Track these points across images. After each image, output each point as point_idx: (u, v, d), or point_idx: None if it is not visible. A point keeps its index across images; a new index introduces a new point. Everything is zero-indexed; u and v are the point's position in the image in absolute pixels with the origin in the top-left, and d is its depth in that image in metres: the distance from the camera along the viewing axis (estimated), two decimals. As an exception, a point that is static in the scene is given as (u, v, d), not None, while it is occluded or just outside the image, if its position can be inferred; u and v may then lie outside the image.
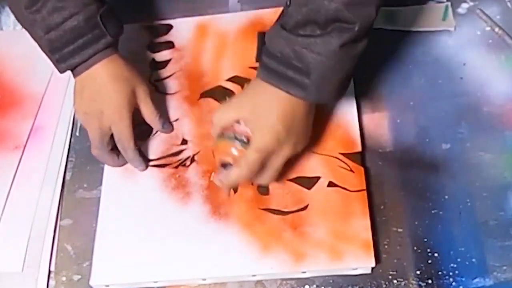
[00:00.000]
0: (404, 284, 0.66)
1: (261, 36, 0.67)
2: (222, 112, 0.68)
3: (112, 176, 0.75)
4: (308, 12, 0.61)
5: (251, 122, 0.65)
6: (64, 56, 0.69)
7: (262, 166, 0.66)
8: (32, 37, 0.71)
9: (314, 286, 0.67)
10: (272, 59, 0.64)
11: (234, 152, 0.66)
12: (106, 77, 0.70)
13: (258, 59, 0.67)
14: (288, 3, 0.63)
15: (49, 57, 0.71)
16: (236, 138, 0.66)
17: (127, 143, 0.72)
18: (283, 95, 0.64)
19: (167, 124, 0.76)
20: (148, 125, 0.76)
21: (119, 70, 0.71)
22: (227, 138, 0.67)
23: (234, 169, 0.66)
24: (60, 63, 0.70)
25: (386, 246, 0.68)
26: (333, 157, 0.72)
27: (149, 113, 0.74)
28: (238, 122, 0.66)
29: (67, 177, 0.77)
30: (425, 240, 0.68)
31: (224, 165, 0.67)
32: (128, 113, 0.71)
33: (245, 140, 0.66)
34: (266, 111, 0.65)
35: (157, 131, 0.77)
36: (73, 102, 0.73)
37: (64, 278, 0.71)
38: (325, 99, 0.66)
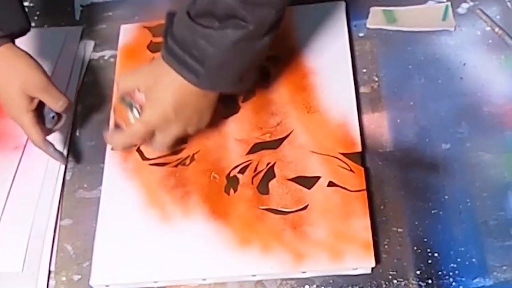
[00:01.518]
0: (404, 284, 0.66)
1: (170, 15, 0.68)
2: (125, 78, 0.72)
3: (112, 176, 0.75)
4: (208, 4, 0.63)
5: (146, 94, 0.69)
6: None
7: (149, 137, 0.70)
8: None
9: (314, 286, 0.67)
10: (175, 42, 0.66)
11: (131, 118, 0.70)
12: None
13: (164, 35, 0.68)
14: None
15: None
16: (132, 105, 0.70)
17: (36, 137, 0.72)
18: (179, 78, 0.66)
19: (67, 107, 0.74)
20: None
21: (9, 68, 0.70)
22: (125, 103, 0.71)
23: (119, 134, 0.71)
24: None
25: (386, 246, 0.68)
26: (333, 157, 0.72)
27: (51, 104, 0.73)
28: (139, 90, 0.70)
29: (67, 177, 0.77)
30: (425, 240, 0.68)
31: (117, 126, 0.72)
32: (23, 101, 0.70)
33: (139, 110, 0.70)
34: (161, 88, 0.67)
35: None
36: None
37: (64, 278, 0.71)
38: (218, 88, 0.68)
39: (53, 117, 0.74)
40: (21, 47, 0.87)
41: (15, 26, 0.72)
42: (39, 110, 0.73)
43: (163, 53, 0.67)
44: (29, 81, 0.71)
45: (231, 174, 0.73)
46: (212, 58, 0.64)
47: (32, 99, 0.71)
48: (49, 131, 0.74)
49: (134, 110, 0.70)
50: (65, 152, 0.79)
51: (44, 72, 0.72)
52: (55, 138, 0.79)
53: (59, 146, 0.79)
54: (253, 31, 0.62)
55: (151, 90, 0.68)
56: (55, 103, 0.72)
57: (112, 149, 0.76)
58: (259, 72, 0.75)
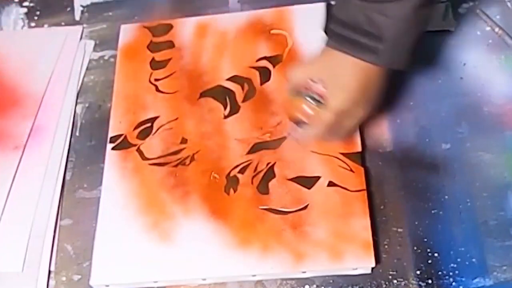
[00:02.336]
0: (404, 284, 0.66)
1: (329, 5, 0.68)
2: (298, 70, 0.69)
3: (112, 176, 0.75)
4: None
5: (327, 82, 0.66)
6: None
7: (336, 125, 0.68)
8: None
9: (314, 286, 0.67)
10: (344, 27, 0.64)
11: (308, 110, 0.68)
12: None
13: (326, 24, 0.67)
14: None
15: None
16: (310, 97, 0.67)
17: None
18: (357, 60, 0.65)
19: None
20: (150, 124, 0.76)
21: None
22: (301, 96, 0.68)
23: (311, 128, 0.69)
24: None
25: (386, 246, 0.68)
26: (333, 157, 0.72)
27: None
28: (313, 81, 0.67)
29: (67, 177, 0.77)
30: (425, 240, 0.68)
31: (297, 123, 0.70)
32: None
33: (319, 99, 0.67)
34: (341, 73, 0.66)
35: (157, 130, 0.77)
36: None
37: (64, 278, 0.71)
38: (398, 64, 0.66)
39: None
40: (22, 46, 0.88)
41: None
42: None
43: (332, 43, 0.66)
44: None
45: (231, 174, 0.73)
46: (391, 31, 0.62)
47: None
48: None
49: (310, 100, 0.68)
50: (65, 152, 0.79)
51: None
52: (55, 138, 0.79)
53: (59, 146, 0.79)
54: None
55: (331, 77, 0.66)
56: None
57: (298, 142, 0.73)
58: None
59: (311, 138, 0.70)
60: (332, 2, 0.67)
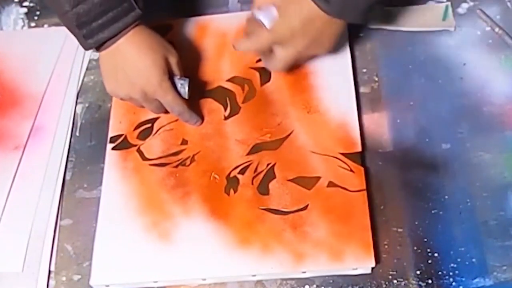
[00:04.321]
0: (404, 284, 0.66)
1: None
2: None
3: (112, 176, 0.75)
4: None
5: (279, 10, 0.70)
6: (93, 31, 0.68)
7: (270, 50, 0.73)
8: (57, 11, 0.69)
9: (314, 286, 0.67)
10: None
11: (252, 26, 0.73)
12: (136, 50, 0.70)
13: None
14: None
15: (74, 33, 0.69)
16: (261, 20, 0.71)
17: (181, 108, 0.74)
18: (310, 3, 0.67)
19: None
20: (150, 125, 0.76)
21: (147, 42, 0.71)
22: (255, 16, 0.72)
23: (245, 40, 0.73)
24: (87, 39, 0.68)
25: (386, 246, 0.68)
26: (333, 157, 0.72)
27: (178, 66, 0.74)
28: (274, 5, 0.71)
29: (67, 177, 0.77)
30: (425, 240, 0.68)
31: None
32: (167, 82, 0.72)
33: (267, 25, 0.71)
34: (293, 6, 0.69)
35: (157, 131, 0.77)
36: (105, 84, 0.73)
37: (64, 278, 0.71)
38: (347, 17, 0.69)
39: (188, 89, 0.75)
40: (22, 46, 0.88)
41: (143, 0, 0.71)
42: None
43: None
44: (167, 46, 0.73)
45: (231, 175, 0.73)
46: None
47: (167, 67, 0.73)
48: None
49: (263, 23, 0.71)
50: (65, 152, 0.79)
51: None
52: (55, 138, 0.79)
53: (59, 146, 0.79)
54: None
55: (284, 6, 0.70)
56: (179, 63, 0.74)
57: (235, 48, 0.76)
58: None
59: (243, 48, 0.74)
60: None
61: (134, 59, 0.70)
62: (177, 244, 0.69)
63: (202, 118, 0.77)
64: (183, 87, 0.74)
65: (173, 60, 0.73)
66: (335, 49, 0.76)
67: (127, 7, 0.68)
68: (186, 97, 0.74)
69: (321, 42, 0.72)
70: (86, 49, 0.70)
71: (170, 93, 0.72)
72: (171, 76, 0.73)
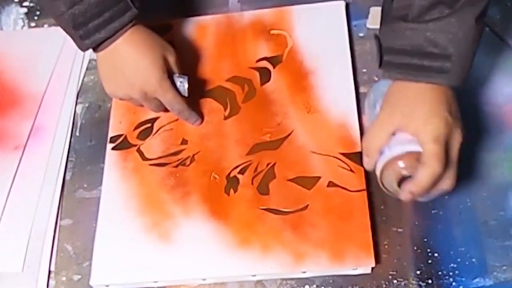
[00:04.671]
0: (404, 284, 0.66)
1: (378, 39, 0.65)
2: (370, 136, 0.64)
3: (112, 176, 0.75)
4: None
5: (407, 124, 0.61)
6: (89, 31, 0.67)
7: (445, 158, 0.60)
8: (52, 13, 0.69)
9: (314, 286, 0.67)
10: (402, 54, 0.61)
11: (402, 165, 0.61)
12: (134, 50, 0.69)
13: (380, 58, 0.65)
14: None
15: (70, 34, 0.69)
16: (404, 172, 0.61)
17: (181, 106, 0.74)
18: (427, 86, 0.61)
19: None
20: (150, 124, 0.76)
21: (145, 41, 0.70)
22: (394, 166, 0.62)
23: (423, 171, 0.59)
24: (84, 40, 0.68)
25: (386, 246, 0.68)
26: (333, 157, 0.72)
27: (177, 64, 0.74)
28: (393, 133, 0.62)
29: (67, 177, 0.77)
30: (425, 240, 0.68)
31: (402, 181, 0.62)
32: (167, 81, 0.71)
33: (409, 149, 0.61)
34: (417, 106, 0.61)
35: (157, 131, 0.77)
36: (104, 85, 0.73)
37: (64, 278, 0.71)
38: (467, 77, 0.62)
39: (188, 87, 0.74)
40: (22, 46, 0.88)
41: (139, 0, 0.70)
42: None
43: (395, 74, 0.63)
44: (166, 46, 0.72)
45: (231, 175, 0.73)
46: (457, 47, 0.59)
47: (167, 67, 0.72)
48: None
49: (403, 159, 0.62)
50: (65, 152, 0.79)
51: None
52: (55, 138, 0.79)
53: (59, 146, 0.79)
54: (487, 2, 0.59)
55: (409, 117, 0.61)
56: (178, 61, 0.74)
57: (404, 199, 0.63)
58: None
59: (429, 180, 0.59)
60: (376, 33, 0.65)
61: (132, 59, 0.70)
62: (177, 244, 0.69)
63: (202, 117, 0.77)
64: (183, 84, 0.74)
65: (171, 59, 0.73)
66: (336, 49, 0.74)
67: (123, 7, 0.68)
68: (186, 94, 0.74)
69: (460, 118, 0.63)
70: (83, 50, 0.70)
71: (170, 92, 0.72)
72: (170, 75, 0.73)
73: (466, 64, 0.61)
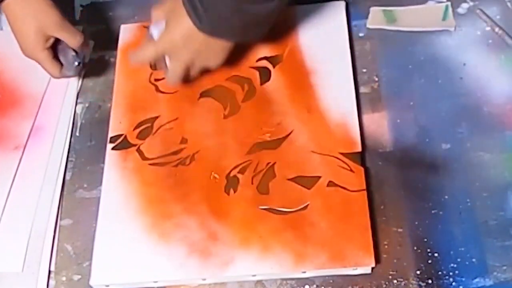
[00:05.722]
0: (404, 284, 0.66)
1: None
2: (158, 8, 0.75)
3: (112, 176, 0.75)
4: None
5: (166, 22, 0.73)
6: None
7: (160, 61, 0.75)
8: None
9: (314, 286, 0.67)
10: None
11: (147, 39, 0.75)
12: (13, 17, 0.76)
13: None
14: None
15: None
16: (151, 35, 0.74)
17: (50, 70, 0.78)
18: (188, 17, 0.70)
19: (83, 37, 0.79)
20: (150, 124, 0.76)
21: (24, 9, 0.74)
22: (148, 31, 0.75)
23: (136, 52, 0.75)
24: None
25: (386, 246, 0.68)
26: (333, 157, 0.72)
27: (68, 41, 0.77)
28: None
29: (67, 177, 0.77)
30: (425, 240, 0.68)
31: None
32: (42, 48, 0.76)
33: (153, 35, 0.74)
34: (175, 20, 0.71)
35: (157, 130, 0.77)
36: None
37: (64, 278, 0.71)
38: (219, 36, 0.71)
39: (78, 64, 0.79)
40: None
41: None
42: (54, 50, 0.78)
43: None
44: (46, 19, 0.75)
45: (231, 174, 0.73)
46: (215, 9, 0.67)
47: (48, 37, 0.76)
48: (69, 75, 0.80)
49: (152, 36, 0.74)
50: (65, 152, 0.79)
51: (59, 10, 0.76)
52: (55, 138, 0.79)
53: (59, 146, 0.79)
54: None
55: (169, 20, 0.72)
56: (73, 38, 0.77)
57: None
58: (269, 29, 0.75)
59: (134, 60, 0.76)
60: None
61: (12, 24, 0.76)
62: (177, 244, 0.69)
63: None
64: (73, 59, 0.78)
65: (53, 26, 0.75)
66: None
67: None
68: (73, 71, 0.79)
69: (207, 56, 0.73)
70: None
71: (46, 63, 0.77)
72: (61, 46, 0.78)
73: (219, 25, 0.69)
